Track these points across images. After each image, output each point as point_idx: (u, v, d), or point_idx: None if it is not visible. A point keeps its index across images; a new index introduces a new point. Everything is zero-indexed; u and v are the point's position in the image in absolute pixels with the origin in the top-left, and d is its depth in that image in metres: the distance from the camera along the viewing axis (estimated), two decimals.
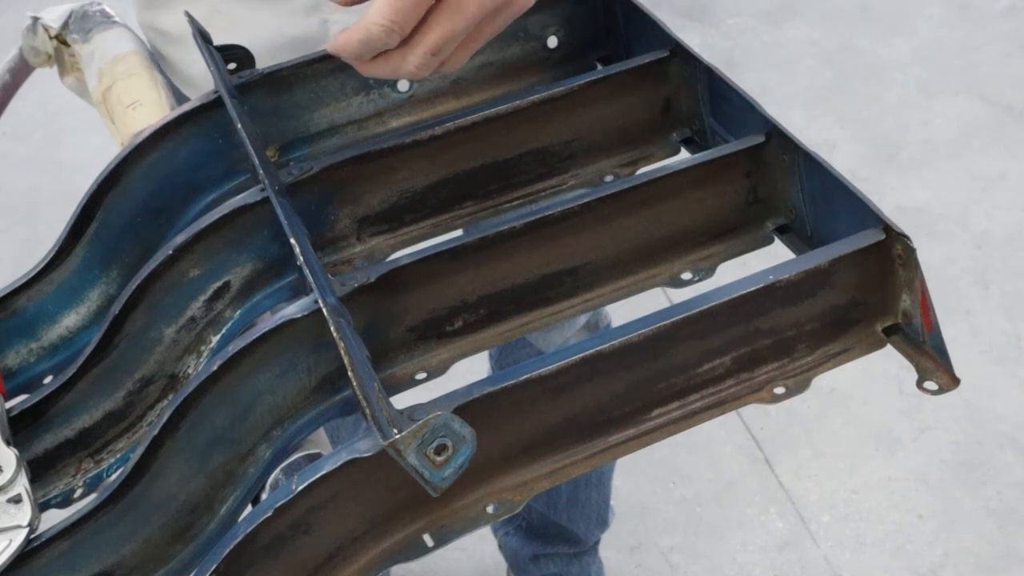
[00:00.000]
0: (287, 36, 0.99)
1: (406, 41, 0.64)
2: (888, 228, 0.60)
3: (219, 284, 0.70)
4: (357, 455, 0.53)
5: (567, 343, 1.35)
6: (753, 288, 0.60)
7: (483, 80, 0.84)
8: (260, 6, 0.99)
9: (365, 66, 0.67)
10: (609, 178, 0.79)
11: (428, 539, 0.57)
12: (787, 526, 1.89)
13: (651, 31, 0.79)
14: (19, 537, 0.58)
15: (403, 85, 0.82)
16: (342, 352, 0.55)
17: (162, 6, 1.02)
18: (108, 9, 0.97)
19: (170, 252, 0.68)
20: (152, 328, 0.69)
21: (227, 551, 0.53)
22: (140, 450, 0.60)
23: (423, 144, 0.74)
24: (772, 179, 0.70)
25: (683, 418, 0.62)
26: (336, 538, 0.56)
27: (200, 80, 1.03)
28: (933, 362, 0.61)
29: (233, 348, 0.61)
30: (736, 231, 0.72)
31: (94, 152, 2.76)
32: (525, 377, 0.57)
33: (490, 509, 0.58)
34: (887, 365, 2.05)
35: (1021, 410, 2.03)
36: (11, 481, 0.61)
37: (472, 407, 0.56)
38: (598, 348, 0.58)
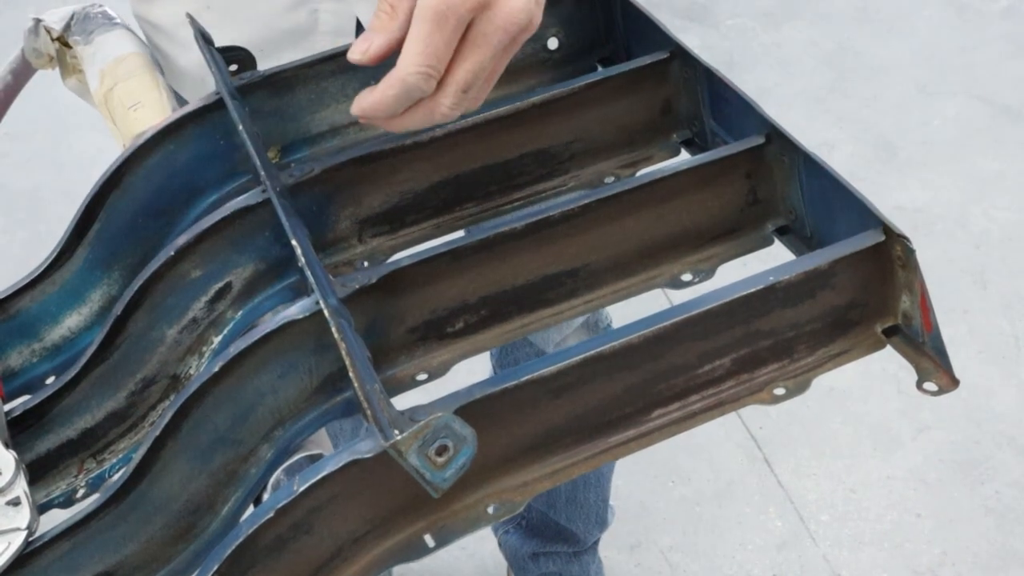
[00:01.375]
0: (277, 29, 0.99)
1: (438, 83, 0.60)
2: (888, 229, 0.60)
3: (221, 285, 0.70)
4: (358, 456, 0.53)
5: (565, 341, 1.35)
6: (753, 289, 0.60)
7: None
8: (249, 0, 0.99)
9: (396, 122, 0.62)
10: (609, 179, 0.79)
11: (429, 539, 0.57)
12: (786, 525, 1.90)
13: (651, 32, 0.79)
14: (18, 540, 0.58)
15: None
16: (343, 353, 0.55)
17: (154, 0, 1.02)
18: (110, 11, 0.97)
19: (172, 253, 0.68)
20: (154, 329, 0.69)
21: (229, 551, 0.53)
22: (142, 450, 0.60)
23: (424, 146, 0.74)
24: (772, 180, 0.70)
25: (683, 419, 0.62)
26: (337, 538, 0.56)
27: (192, 73, 1.03)
28: (933, 363, 0.61)
29: (235, 349, 0.61)
30: (736, 232, 0.72)
31: (96, 153, 2.76)
32: (526, 378, 0.57)
33: (491, 509, 0.58)
34: (886, 365, 2.05)
35: (1019, 410, 2.04)
36: (10, 484, 0.61)
37: (473, 408, 0.56)
38: (599, 349, 0.58)
